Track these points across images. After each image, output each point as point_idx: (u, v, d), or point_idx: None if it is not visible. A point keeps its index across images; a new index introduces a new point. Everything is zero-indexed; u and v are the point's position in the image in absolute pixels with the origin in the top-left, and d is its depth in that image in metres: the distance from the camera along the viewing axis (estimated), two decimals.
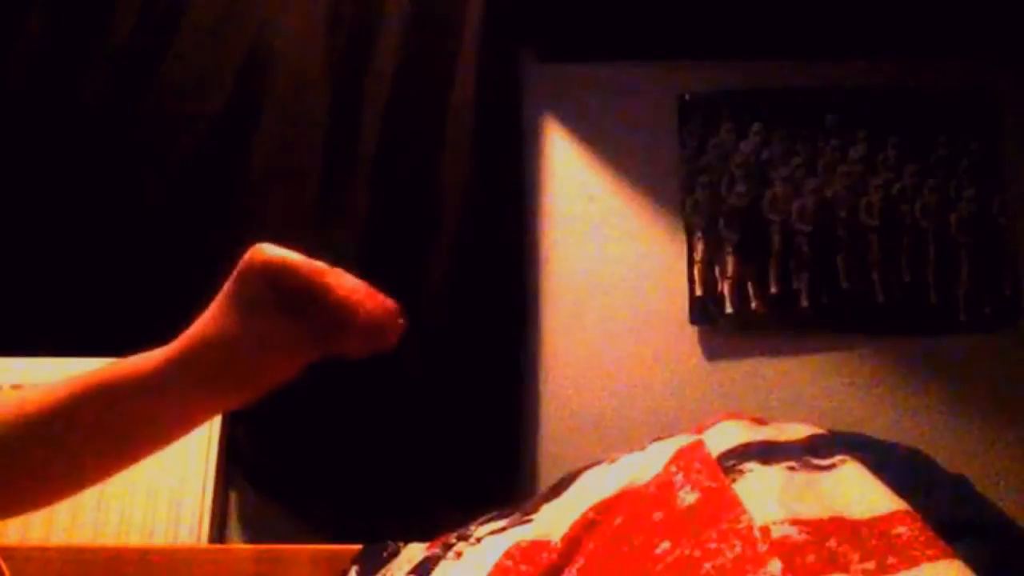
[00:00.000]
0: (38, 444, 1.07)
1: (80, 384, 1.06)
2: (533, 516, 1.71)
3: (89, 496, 2.85)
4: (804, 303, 3.26)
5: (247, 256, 1.08)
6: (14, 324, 2.92)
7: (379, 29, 3.33)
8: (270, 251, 1.08)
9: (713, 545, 1.25)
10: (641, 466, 1.64)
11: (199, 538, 2.87)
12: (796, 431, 1.67)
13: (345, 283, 1.10)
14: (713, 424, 1.74)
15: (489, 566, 1.56)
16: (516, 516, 1.76)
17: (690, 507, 1.39)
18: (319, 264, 1.09)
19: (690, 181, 3.40)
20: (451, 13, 3.37)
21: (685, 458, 1.57)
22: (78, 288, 2.98)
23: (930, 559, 1.13)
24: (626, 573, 1.35)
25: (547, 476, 3.06)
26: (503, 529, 1.72)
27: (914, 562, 1.14)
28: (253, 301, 1.06)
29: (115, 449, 1.10)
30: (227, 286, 1.08)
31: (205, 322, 1.08)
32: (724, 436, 1.63)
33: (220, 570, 2.61)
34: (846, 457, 1.45)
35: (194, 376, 1.05)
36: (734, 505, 1.32)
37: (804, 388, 3.23)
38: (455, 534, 1.84)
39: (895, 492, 1.31)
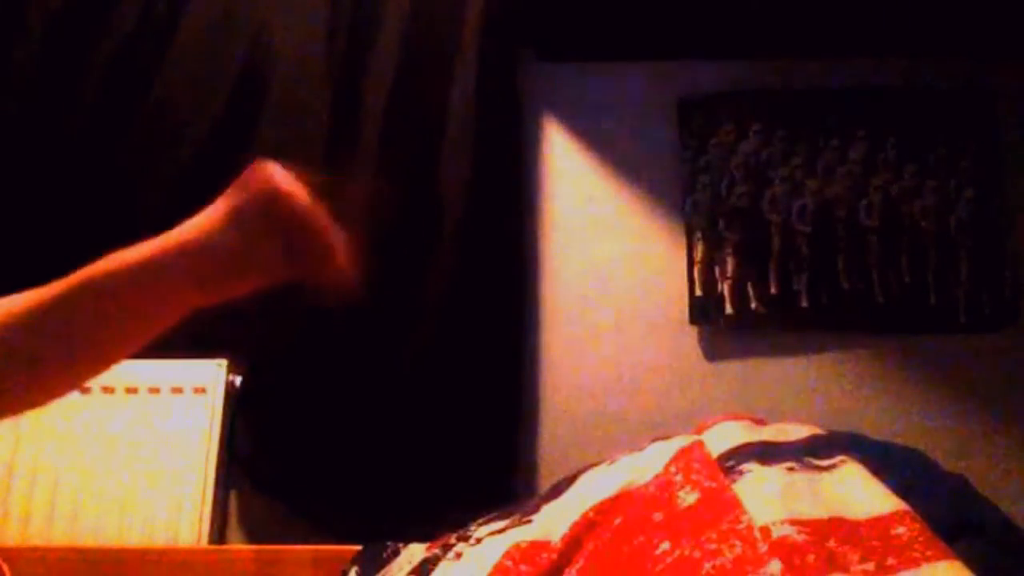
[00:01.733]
0: (37, 335, 1.10)
1: (77, 278, 1.09)
2: (533, 517, 1.71)
3: (90, 496, 2.85)
4: (804, 303, 3.25)
5: (248, 173, 1.12)
6: None
7: (379, 29, 3.33)
8: (269, 175, 1.12)
9: (713, 545, 1.26)
10: (641, 467, 1.65)
11: (199, 539, 2.87)
12: (796, 432, 1.67)
13: (325, 230, 1.14)
14: (713, 424, 1.75)
15: (489, 566, 1.57)
16: (516, 517, 1.77)
17: (690, 507, 1.40)
18: (307, 204, 1.13)
19: (690, 181, 3.39)
20: (451, 13, 3.36)
21: (685, 458, 1.58)
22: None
23: (930, 559, 1.14)
24: (626, 573, 1.36)
25: (547, 477, 3.05)
26: (503, 530, 1.73)
27: (914, 562, 1.14)
28: (243, 217, 1.10)
29: (109, 336, 1.13)
30: (225, 196, 1.12)
31: (199, 225, 1.12)
32: (724, 437, 1.64)
33: (220, 570, 2.62)
34: (846, 458, 1.46)
35: (181, 272, 1.09)
36: (734, 505, 1.33)
37: (804, 388, 3.22)
38: (455, 535, 1.84)
39: (895, 492, 1.32)
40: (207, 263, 1.10)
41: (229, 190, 1.14)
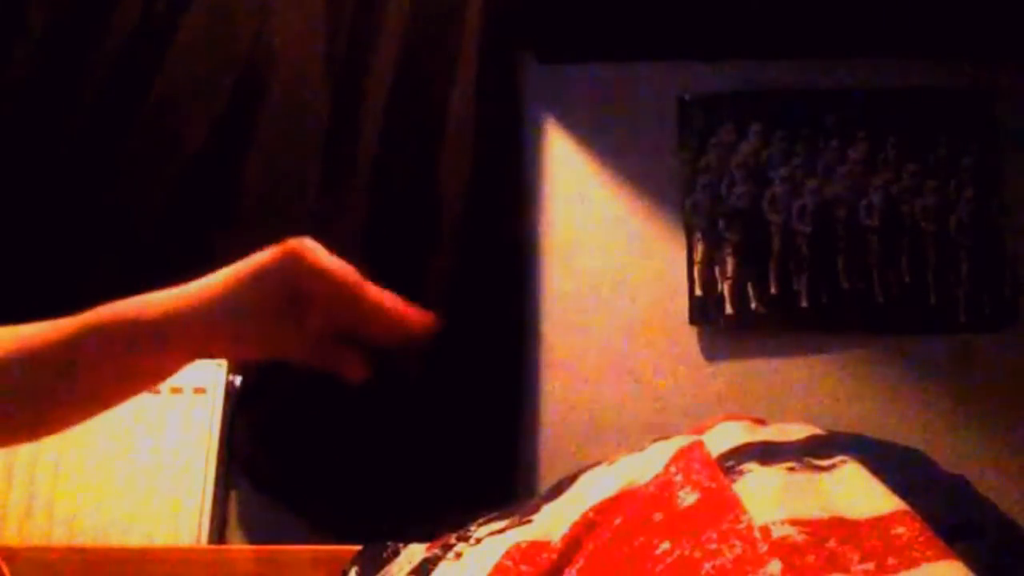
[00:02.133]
0: (42, 372, 1.09)
1: (90, 321, 1.09)
2: (533, 517, 1.71)
3: (90, 496, 2.86)
4: (804, 303, 3.26)
5: (288, 249, 1.08)
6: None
7: (379, 30, 3.33)
8: (302, 244, 1.08)
9: (713, 546, 1.25)
10: (641, 467, 1.65)
11: (199, 539, 2.87)
12: (796, 432, 1.67)
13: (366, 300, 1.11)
14: (713, 425, 1.75)
15: (489, 567, 1.56)
16: (516, 517, 1.76)
17: (690, 507, 1.40)
18: (340, 274, 1.09)
19: (690, 182, 3.39)
20: (451, 14, 3.37)
21: (685, 459, 1.58)
22: (75, 288, 2.98)
23: (930, 559, 1.14)
24: (626, 574, 1.35)
25: (547, 477, 3.06)
26: (503, 530, 1.72)
27: (914, 562, 1.14)
28: (271, 290, 1.07)
29: (112, 382, 1.12)
30: (256, 262, 1.08)
31: (219, 283, 1.08)
32: (724, 437, 1.64)
33: (220, 570, 2.62)
34: (846, 458, 1.46)
35: (194, 330, 1.07)
36: (734, 505, 1.33)
37: (804, 388, 3.23)
38: (455, 535, 1.84)
39: (895, 492, 1.32)
40: (221, 326, 1.07)
41: (258, 255, 1.10)
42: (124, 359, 1.09)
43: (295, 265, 1.05)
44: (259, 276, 1.06)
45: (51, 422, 1.15)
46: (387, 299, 1.10)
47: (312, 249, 1.06)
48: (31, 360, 1.08)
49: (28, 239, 3.05)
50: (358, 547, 2.19)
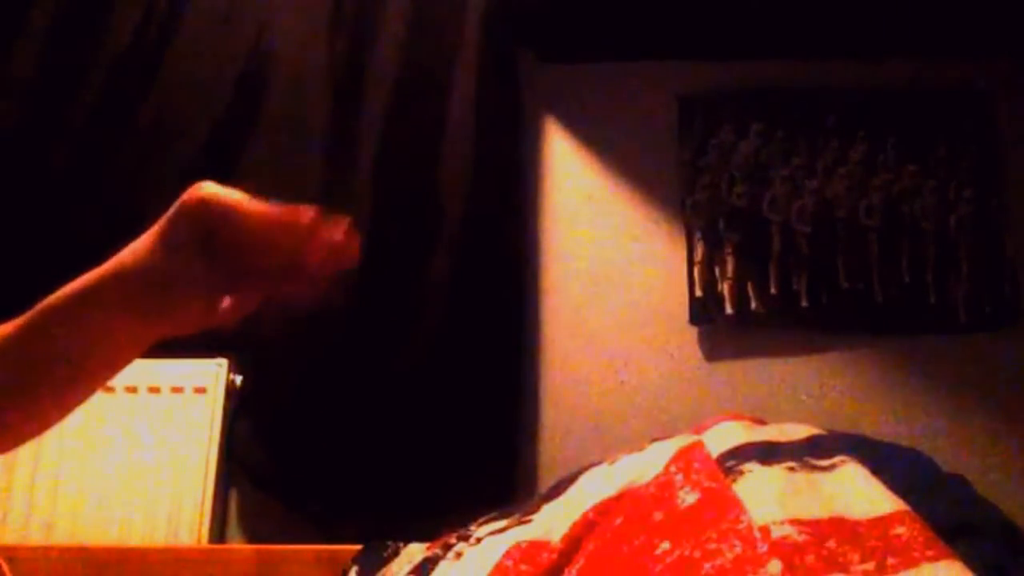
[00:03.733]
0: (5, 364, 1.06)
1: (32, 312, 1.08)
2: (533, 516, 1.71)
3: (91, 496, 2.85)
4: (804, 303, 3.26)
5: (186, 194, 1.05)
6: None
7: (379, 30, 3.33)
8: (207, 192, 1.06)
9: (713, 545, 1.26)
10: (641, 467, 1.65)
11: (199, 538, 2.86)
12: (796, 431, 1.67)
13: (286, 232, 1.06)
14: (713, 424, 1.75)
15: (489, 566, 1.56)
16: (516, 516, 1.76)
17: (690, 507, 1.40)
18: (255, 211, 1.05)
19: (690, 181, 3.39)
20: (451, 14, 3.37)
21: (685, 459, 1.58)
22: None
23: (930, 559, 1.14)
24: (626, 573, 1.36)
25: (547, 476, 3.05)
26: (503, 529, 1.72)
27: (914, 562, 1.14)
28: (182, 242, 1.04)
29: (66, 370, 1.10)
30: (162, 219, 1.07)
31: (135, 250, 1.07)
32: (724, 436, 1.64)
33: (220, 570, 2.61)
34: (846, 458, 1.46)
35: (116, 299, 1.05)
36: (734, 505, 1.33)
37: (804, 388, 3.22)
38: (455, 534, 1.84)
39: (895, 493, 1.32)
40: (140, 287, 1.03)
41: (165, 213, 1.08)
42: (66, 338, 1.07)
43: (200, 207, 1.03)
44: (171, 225, 1.04)
45: (20, 423, 1.13)
46: (303, 218, 1.06)
47: (213, 189, 1.04)
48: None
49: (28, 240, 3.05)
50: (358, 546, 2.19)
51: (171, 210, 1.03)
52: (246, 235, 1.02)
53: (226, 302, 1.07)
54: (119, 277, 1.03)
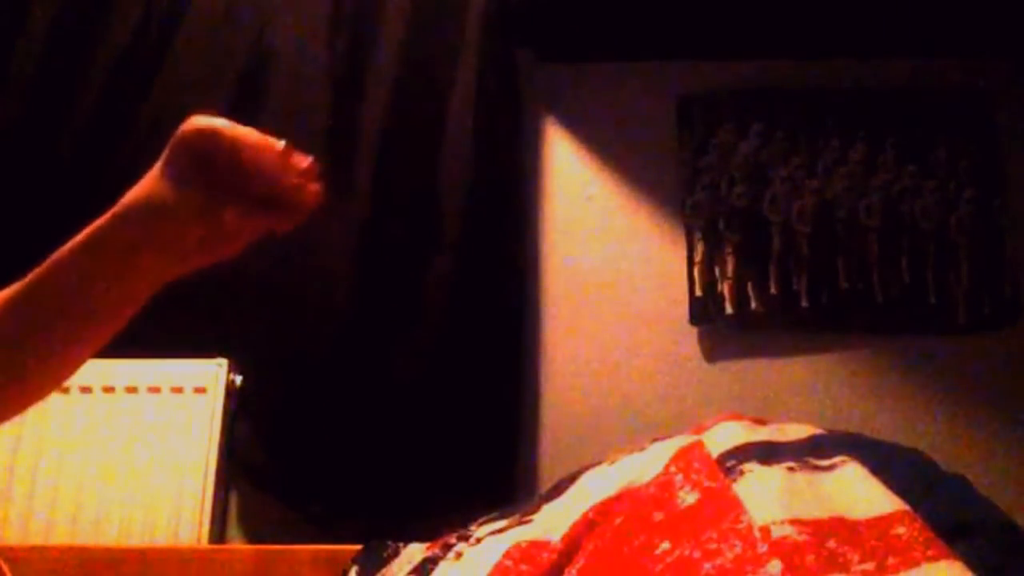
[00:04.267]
0: (13, 320, 1.10)
1: (42, 264, 1.11)
2: (533, 516, 1.71)
3: (90, 496, 2.85)
4: (804, 303, 3.26)
5: (180, 128, 1.09)
6: None
7: (380, 29, 3.33)
8: (199, 122, 1.10)
9: (713, 545, 1.26)
10: (641, 467, 1.65)
11: (199, 538, 2.86)
12: (796, 431, 1.67)
13: (265, 155, 1.10)
14: (713, 424, 1.75)
15: (489, 566, 1.56)
16: (516, 516, 1.76)
17: (690, 507, 1.41)
18: (240, 134, 1.09)
19: (690, 181, 3.39)
20: (451, 14, 3.37)
21: (685, 458, 1.58)
22: None
23: (930, 559, 1.14)
24: (626, 573, 1.35)
25: (547, 476, 3.04)
26: (503, 530, 1.72)
27: (914, 562, 1.14)
28: (181, 171, 1.08)
29: (81, 312, 1.11)
30: (163, 154, 1.10)
31: (139, 187, 1.10)
32: (724, 436, 1.64)
33: (220, 570, 2.61)
34: (846, 458, 1.46)
35: (126, 239, 1.07)
36: (734, 505, 1.34)
37: (804, 388, 3.23)
38: (455, 534, 1.84)
39: (895, 492, 1.33)
40: (145, 218, 1.08)
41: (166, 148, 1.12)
42: (80, 280, 1.10)
43: (194, 136, 1.06)
44: (171, 156, 1.08)
45: (41, 373, 1.15)
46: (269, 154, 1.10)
47: (204, 119, 1.07)
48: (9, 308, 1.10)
49: (28, 241, 3.05)
50: (358, 547, 2.19)
51: (169, 145, 1.07)
52: (235, 155, 1.07)
53: (224, 229, 1.10)
54: (125, 215, 1.08)
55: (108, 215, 1.09)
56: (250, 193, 1.09)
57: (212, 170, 1.07)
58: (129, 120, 3.19)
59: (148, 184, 1.09)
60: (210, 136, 1.08)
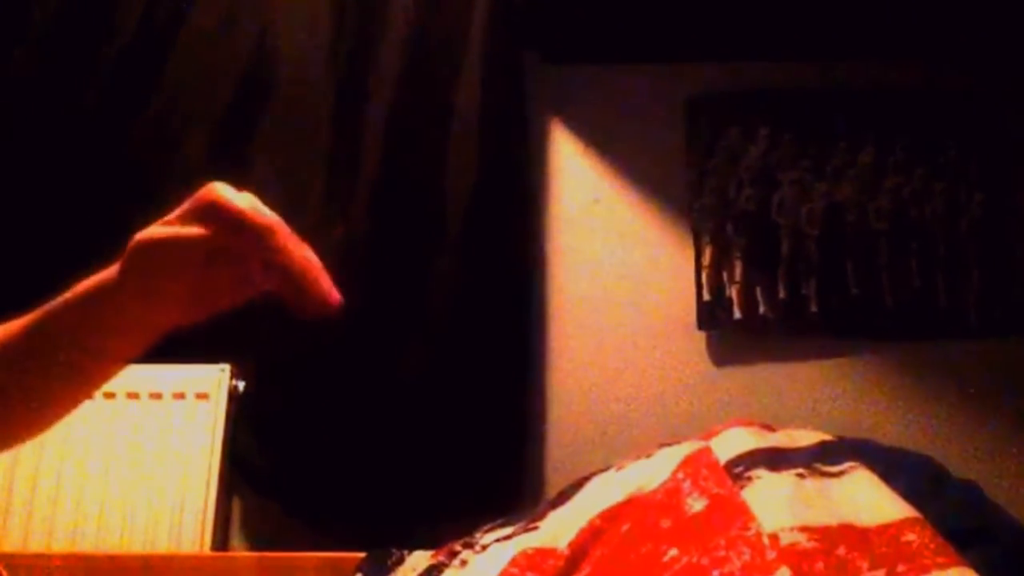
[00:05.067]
0: (7, 366, 1.09)
1: (48, 305, 1.10)
2: (539, 523, 1.70)
3: (92, 503, 2.85)
4: (813, 308, 3.24)
5: (199, 193, 1.08)
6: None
7: (383, 32, 3.32)
8: (211, 187, 1.09)
9: (721, 552, 1.25)
10: (648, 473, 1.64)
11: (202, 545, 2.85)
12: (805, 438, 1.66)
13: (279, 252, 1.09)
14: (721, 431, 1.73)
15: (495, 573, 1.56)
16: (522, 523, 1.76)
17: (698, 514, 1.40)
18: (260, 220, 1.08)
19: (697, 184, 3.37)
20: (456, 15, 3.36)
21: (693, 465, 1.57)
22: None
23: (940, 566, 1.13)
24: None
25: (553, 483, 3.02)
26: (509, 536, 1.72)
27: (924, 569, 1.13)
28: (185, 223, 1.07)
29: (76, 360, 1.12)
30: (176, 213, 1.09)
31: (142, 238, 1.10)
32: (732, 443, 1.63)
33: None
34: (855, 464, 1.45)
35: (127, 284, 1.07)
36: (743, 512, 1.32)
37: (813, 394, 3.21)
38: (460, 542, 1.83)
39: (905, 499, 1.32)
40: (144, 271, 1.05)
41: (181, 207, 1.11)
42: (78, 327, 1.08)
43: (208, 208, 1.05)
44: (172, 216, 1.06)
45: (34, 412, 1.15)
46: (296, 258, 1.08)
47: (223, 191, 1.06)
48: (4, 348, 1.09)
49: (31, 242, 3.05)
50: (363, 554, 2.18)
51: (185, 205, 1.06)
52: (247, 243, 1.04)
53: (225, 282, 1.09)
54: (133, 271, 1.05)
55: (108, 269, 1.07)
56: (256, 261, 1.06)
57: (223, 245, 1.05)
58: (130, 123, 3.18)
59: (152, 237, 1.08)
60: (227, 215, 1.03)
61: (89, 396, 1.16)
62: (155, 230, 1.04)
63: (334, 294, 1.08)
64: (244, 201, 1.03)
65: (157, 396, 2.92)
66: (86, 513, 2.84)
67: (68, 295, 1.08)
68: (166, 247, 1.04)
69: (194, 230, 1.03)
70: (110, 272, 1.06)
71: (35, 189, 3.11)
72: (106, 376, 1.14)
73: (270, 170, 3.18)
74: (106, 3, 3.28)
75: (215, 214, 1.03)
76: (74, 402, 1.17)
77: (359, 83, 3.27)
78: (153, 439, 2.91)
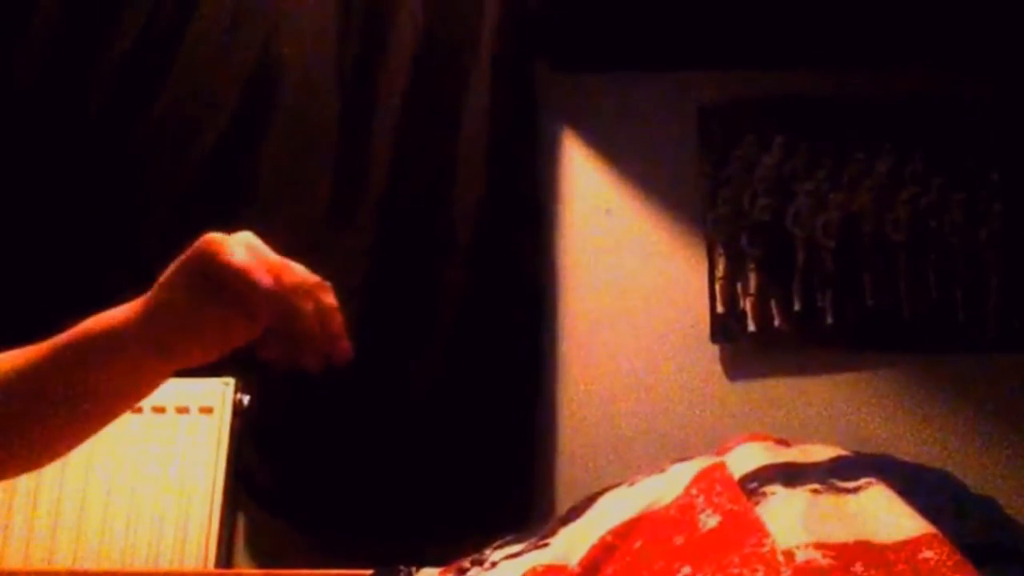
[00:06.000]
0: (17, 399, 1.10)
1: (59, 340, 1.12)
2: (550, 540, 1.68)
3: (94, 518, 2.84)
4: (829, 320, 3.22)
5: (199, 250, 1.08)
6: (11, 337, 2.90)
7: (391, 39, 3.31)
8: (211, 238, 1.09)
9: (735, 570, 1.23)
10: (661, 489, 1.62)
11: (206, 562, 2.84)
12: (820, 453, 1.65)
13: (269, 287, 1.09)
14: (735, 446, 1.72)
15: None
16: (532, 540, 1.74)
17: (712, 531, 1.38)
18: (260, 276, 1.07)
19: (711, 195, 3.36)
20: (465, 22, 3.36)
21: (706, 480, 1.55)
22: (78, 296, 2.94)
23: None
24: None
25: (564, 499, 3.03)
26: (519, 553, 1.70)
27: None
28: (195, 286, 1.08)
29: (86, 403, 1.12)
30: (174, 265, 1.11)
31: (154, 289, 1.12)
32: (746, 458, 1.61)
33: None
34: (872, 480, 1.44)
35: (149, 338, 1.10)
36: (757, 529, 1.31)
37: (828, 408, 3.20)
38: (470, 559, 1.82)
39: (922, 515, 1.30)
40: (161, 326, 1.09)
41: (183, 257, 1.12)
42: (92, 372, 1.11)
43: (205, 261, 1.05)
44: (180, 274, 1.09)
45: (41, 446, 1.15)
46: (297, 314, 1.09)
47: (222, 243, 1.05)
48: (6, 385, 1.09)
49: (34, 247, 3.04)
50: (370, 572, 2.17)
51: (183, 256, 1.09)
52: (244, 281, 1.05)
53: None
54: (143, 315, 1.09)
55: (123, 314, 1.11)
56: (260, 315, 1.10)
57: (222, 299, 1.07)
58: (132, 130, 3.18)
59: (160, 291, 1.10)
60: (220, 269, 1.07)
61: (96, 431, 1.18)
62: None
63: (346, 353, 1.10)
64: (244, 255, 1.03)
65: (160, 410, 2.92)
66: (88, 529, 2.83)
67: (82, 338, 1.10)
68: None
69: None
70: (128, 316, 1.08)
71: (37, 196, 3.11)
72: (113, 418, 1.18)
73: (276, 179, 3.17)
74: (108, 9, 3.27)
75: (222, 279, 1.05)
76: (84, 433, 1.18)
77: (366, 91, 3.26)
78: (156, 454, 2.90)
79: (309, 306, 1.12)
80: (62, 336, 1.11)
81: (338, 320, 1.16)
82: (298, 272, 1.14)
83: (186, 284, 1.09)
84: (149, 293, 1.12)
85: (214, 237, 1.10)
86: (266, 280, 1.05)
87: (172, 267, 1.11)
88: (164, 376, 1.14)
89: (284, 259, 1.13)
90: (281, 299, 1.08)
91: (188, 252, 1.10)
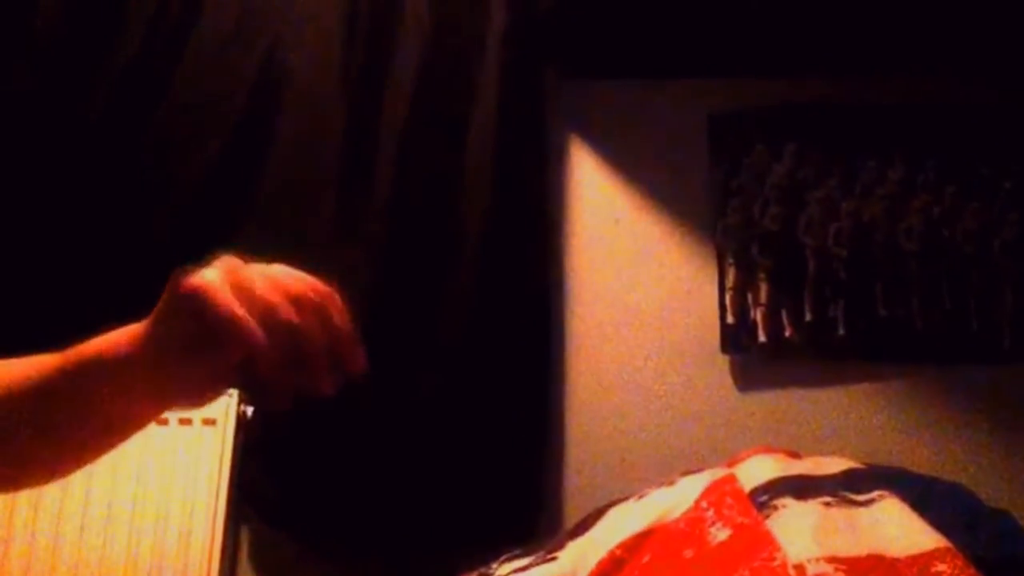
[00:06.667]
0: (16, 413, 1.05)
1: (60, 359, 1.05)
2: (558, 554, 1.68)
3: (95, 529, 2.84)
4: (840, 331, 3.21)
5: (182, 291, 1.01)
6: (11, 345, 2.89)
7: (397, 44, 3.32)
8: (188, 277, 1.02)
9: None
10: (670, 502, 1.62)
11: (209, 575, 2.85)
12: (832, 465, 1.64)
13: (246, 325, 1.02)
14: (745, 458, 1.71)
15: None
16: (540, 554, 1.73)
17: (722, 544, 1.37)
18: (215, 295, 1.01)
19: (721, 204, 3.35)
20: (472, 29, 3.35)
21: (716, 493, 1.55)
22: (80, 305, 2.95)
23: None
24: None
25: (573, 512, 3.02)
26: (527, 567, 1.69)
27: None
28: (172, 331, 1.00)
29: (85, 424, 1.09)
30: (161, 301, 1.04)
31: (147, 320, 1.04)
32: (757, 470, 1.61)
33: None
34: (884, 492, 1.43)
35: (138, 363, 1.02)
36: (768, 542, 1.30)
37: (840, 420, 3.19)
38: (476, 572, 1.81)
39: (935, 528, 1.30)
40: (155, 359, 1.01)
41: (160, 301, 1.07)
42: (92, 399, 1.05)
43: (188, 301, 0.98)
44: (167, 312, 1.01)
45: (32, 469, 1.12)
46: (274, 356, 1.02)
47: (203, 283, 0.98)
48: (7, 400, 1.05)
49: (36, 251, 3.04)
50: None
51: (167, 292, 1.01)
52: (222, 320, 0.98)
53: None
54: (139, 344, 1.02)
55: (124, 337, 1.04)
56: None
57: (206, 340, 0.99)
58: (135, 141, 3.18)
59: (154, 323, 1.03)
60: (201, 311, 0.97)
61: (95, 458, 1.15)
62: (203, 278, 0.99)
63: (362, 366, 1.04)
64: (207, 275, 0.97)
65: (163, 422, 2.91)
66: (90, 542, 2.83)
67: (84, 357, 1.04)
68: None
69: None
70: (128, 348, 1.02)
71: (40, 204, 3.10)
72: (111, 448, 1.15)
73: (280, 188, 3.17)
74: (112, 17, 3.27)
75: (177, 306, 0.98)
76: (72, 468, 1.16)
77: (372, 98, 3.26)
78: (158, 466, 2.90)
79: (309, 320, 1.03)
80: (64, 356, 1.06)
81: (348, 330, 1.03)
82: (294, 284, 1.02)
83: (163, 332, 1.02)
84: (135, 326, 1.06)
85: (184, 269, 1.04)
86: (223, 298, 0.97)
87: (161, 303, 1.03)
88: (151, 409, 1.10)
89: (277, 271, 1.02)
90: (253, 320, 0.99)
91: (169, 292, 1.02)
